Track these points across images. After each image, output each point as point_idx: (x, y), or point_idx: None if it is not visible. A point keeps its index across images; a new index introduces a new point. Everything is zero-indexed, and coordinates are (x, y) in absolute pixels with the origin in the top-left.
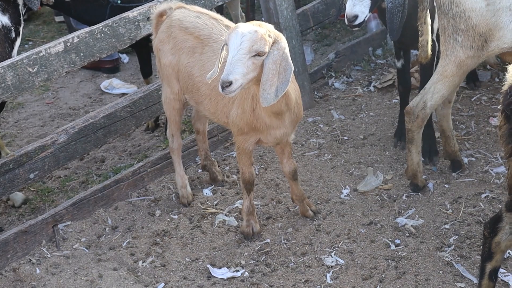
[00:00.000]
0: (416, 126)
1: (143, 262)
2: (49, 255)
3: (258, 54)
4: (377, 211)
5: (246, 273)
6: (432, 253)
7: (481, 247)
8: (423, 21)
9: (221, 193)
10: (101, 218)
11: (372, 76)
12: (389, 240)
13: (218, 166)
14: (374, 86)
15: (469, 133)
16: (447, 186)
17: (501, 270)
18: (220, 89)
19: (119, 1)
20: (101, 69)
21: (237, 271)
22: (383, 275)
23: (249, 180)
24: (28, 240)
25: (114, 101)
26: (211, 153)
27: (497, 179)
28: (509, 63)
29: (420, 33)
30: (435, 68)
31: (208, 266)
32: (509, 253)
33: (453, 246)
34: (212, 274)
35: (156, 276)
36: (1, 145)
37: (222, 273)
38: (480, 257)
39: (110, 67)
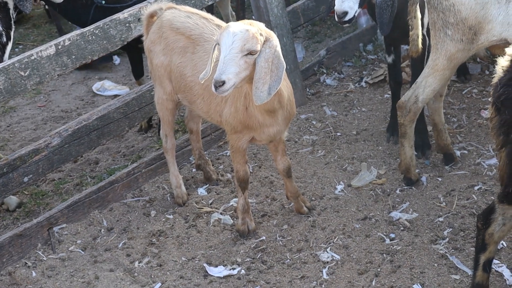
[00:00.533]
0: (408, 120)
1: (139, 263)
2: (44, 258)
3: (250, 53)
4: (371, 206)
5: (243, 270)
6: (427, 246)
7: (475, 239)
8: (413, 15)
9: (215, 192)
10: (96, 219)
11: (364, 72)
12: (384, 235)
13: (212, 165)
14: (365, 82)
15: (460, 126)
16: (440, 179)
17: (494, 261)
18: (213, 88)
19: (103, 2)
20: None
21: (234, 269)
22: (379, 269)
23: (243, 178)
24: (24, 244)
25: (107, 103)
26: (205, 152)
27: (490, 171)
28: (499, 56)
29: (410, 27)
30: (426, 62)
31: (205, 264)
32: (502, 244)
33: (447, 239)
34: (209, 272)
35: (152, 276)
36: None
37: (218, 271)
38: (474, 248)
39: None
